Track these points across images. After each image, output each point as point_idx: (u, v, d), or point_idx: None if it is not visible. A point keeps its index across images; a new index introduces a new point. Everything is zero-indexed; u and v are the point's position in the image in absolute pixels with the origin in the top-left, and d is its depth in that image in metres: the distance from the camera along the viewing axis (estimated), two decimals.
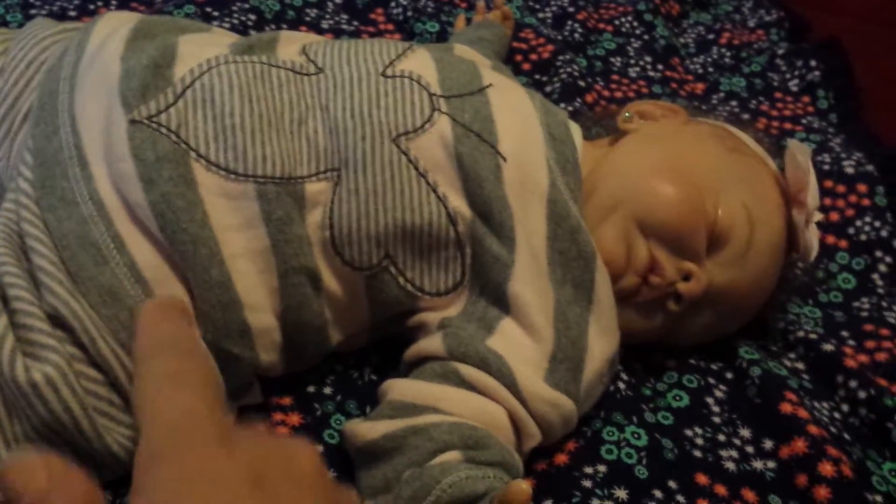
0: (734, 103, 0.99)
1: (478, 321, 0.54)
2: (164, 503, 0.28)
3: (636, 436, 0.56)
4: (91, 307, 0.46)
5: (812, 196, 0.62)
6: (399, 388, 0.52)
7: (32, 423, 0.43)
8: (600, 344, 0.55)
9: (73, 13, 0.84)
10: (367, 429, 0.49)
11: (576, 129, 0.61)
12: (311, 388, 0.56)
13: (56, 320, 0.45)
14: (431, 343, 0.53)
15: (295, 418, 0.54)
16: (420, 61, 0.57)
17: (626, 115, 0.66)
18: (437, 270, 0.54)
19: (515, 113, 0.57)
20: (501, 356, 0.51)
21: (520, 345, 0.53)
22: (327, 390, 0.57)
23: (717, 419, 0.60)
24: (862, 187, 0.83)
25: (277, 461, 0.31)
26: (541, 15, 1.08)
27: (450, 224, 0.53)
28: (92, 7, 0.86)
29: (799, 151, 0.63)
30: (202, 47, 0.53)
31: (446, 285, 0.55)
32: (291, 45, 0.57)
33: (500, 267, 0.53)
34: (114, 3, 0.88)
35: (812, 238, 0.64)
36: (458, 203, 0.53)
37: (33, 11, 0.83)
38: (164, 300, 0.37)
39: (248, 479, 0.30)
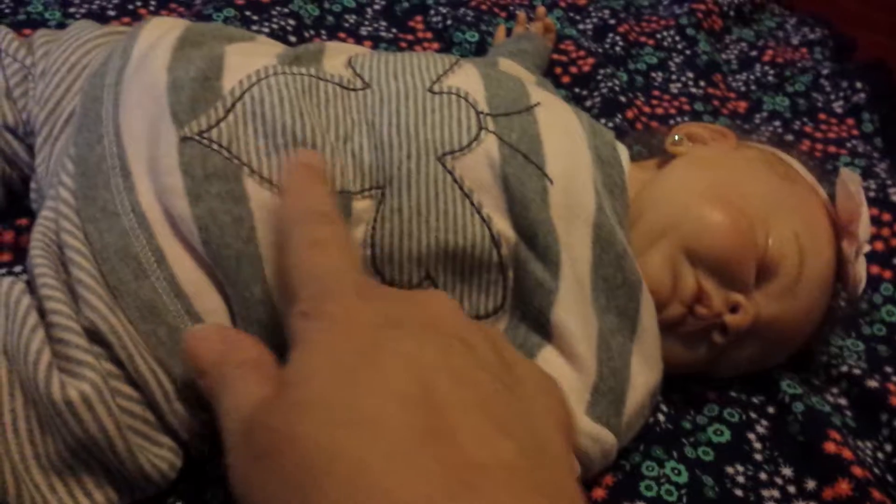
0: (777, 123, 0.97)
1: (518, 348, 0.52)
2: (311, 351, 0.32)
3: (676, 472, 0.55)
4: (130, 322, 0.45)
5: (864, 228, 0.61)
6: None
7: (66, 441, 0.42)
8: (643, 375, 0.53)
9: (112, 12, 0.84)
10: None
11: (623, 151, 0.59)
12: None
13: (93, 335, 0.44)
14: None
15: None
16: (467, 77, 0.55)
17: (676, 137, 0.65)
18: (477, 293, 0.53)
19: (563, 134, 0.55)
20: None
21: (562, 375, 0.51)
22: None
23: (758, 456, 0.58)
24: None
25: (411, 306, 0.35)
26: (581, 27, 1.06)
27: (493, 247, 0.51)
28: (131, 7, 0.85)
29: (851, 181, 0.61)
30: (250, 58, 0.52)
31: (486, 309, 0.53)
32: (337, 57, 0.56)
33: (544, 293, 0.52)
34: (153, 3, 0.87)
35: (861, 271, 0.62)
36: (502, 226, 0.52)
37: (72, 9, 0.82)
38: (310, 158, 0.44)
39: (385, 322, 0.33)
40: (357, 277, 0.36)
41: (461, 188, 0.51)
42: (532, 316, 0.53)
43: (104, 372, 0.42)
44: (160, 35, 0.53)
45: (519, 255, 0.52)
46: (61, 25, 0.78)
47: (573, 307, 0.52)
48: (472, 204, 0.51)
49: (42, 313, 0.44)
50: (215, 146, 0.47)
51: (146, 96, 0.49)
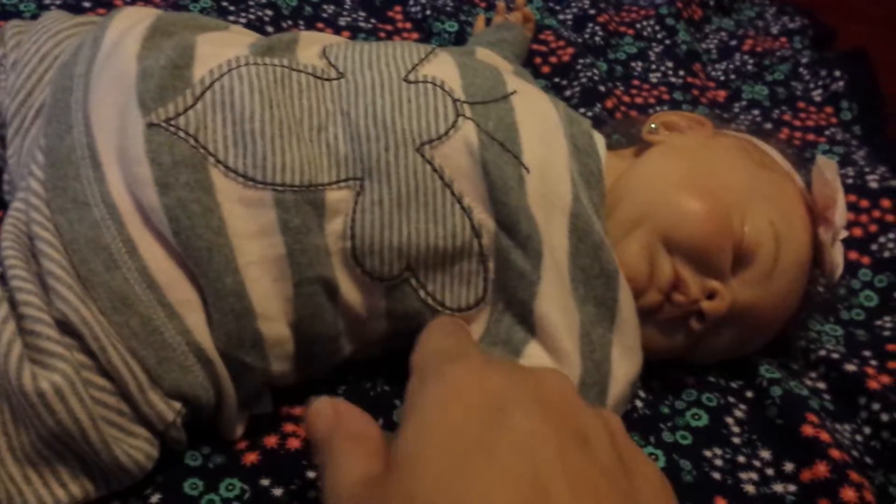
0: (756, 112, 0.97)
1: (504, 344, 0.52)
2: (425, 418, 0.32)
3: (654, 457, 0.55)
4: (101, 313, 0.44)
5: (840, 214, 0.61)
6: None
7: (39, 432, 0.41)
8: (624, 366, 0.54)
9: (87, 4, 0.83)
10: None
11: (600, 140, 0.59)
12: None
13: (65, 326, 0.43)
14: None
15: None
16: (443, 66, 0.55)
17: (652, 126, 0.65)
18: (458, 284, 0.53)
19: (540, 122, 0.55)
20: None
21: None
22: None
23: (736, 440, 0.59)
24: (886, 202, 0.81)
25: (527, 385, 0.34)
26: (561, 16, 1.06)
27: (474, 236, 0.51)
28: None
29: (827, 168, 0.61)
30: (221, 47, 0.51)
31: (468, 301, 0.53)
32: (311, 46, 0.55)
33: (526, 284, 0.52)
34: None
35: (838, 256, 0.62)
36: (482, 215, 0.51)
37: (47, 1, 0.81)
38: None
39: (507, 397, 0.32)
40: (479, 353, 0.36)
41: (441, 178, 0.51)
42: (515, 308, 0.53)
43: (76, 363, 0.42)
44: (131, 24, 0.53)
45: (500, 245, 0.52)
46: (36, 16, 0.77)
47: (555, 299, 0.52)
48: (452, 194, 0.51)
49: (13, 305, 0.43)
50: (182, 134, 0.47)
51: (116, 85, 0.49)
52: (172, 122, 0.47)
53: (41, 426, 0.41)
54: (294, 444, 0.51)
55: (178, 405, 0.46)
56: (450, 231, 0.51)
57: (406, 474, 0.31)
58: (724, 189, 0.58)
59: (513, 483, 0.29)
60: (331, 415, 0.36)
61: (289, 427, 0.52)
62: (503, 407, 0.32)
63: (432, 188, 0.51)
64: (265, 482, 0.48)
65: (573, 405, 0.34)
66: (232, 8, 0.84)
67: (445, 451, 0.30)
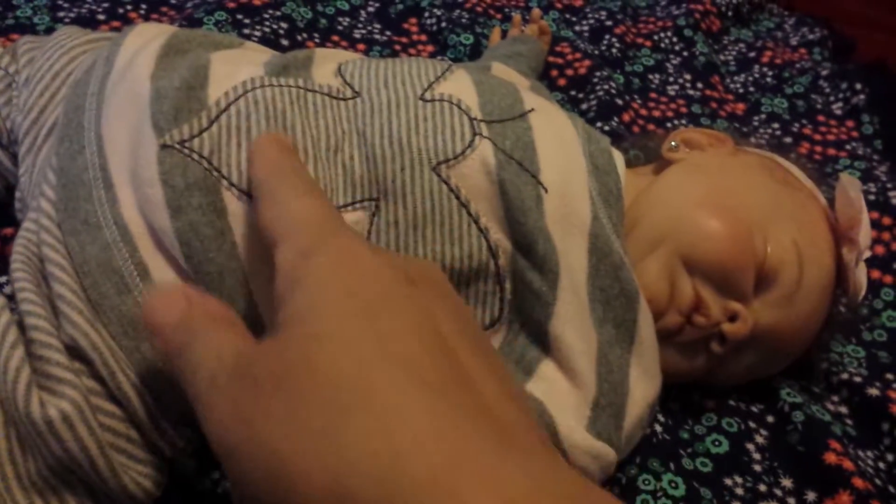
0: (776, 126, 0.96)
1: (515, 363, 0.51)
2: (319, 282, 0.31)
3: (674, 485, 0.54)
4: (112, 338, 0.44)
5: (864, 234, 0.60)
6: None
7: (47, 460, 0.41)
8: (642, 388, 0.52)
9: (101, 17, 0.83)
10: None
11: (619, 158, 0.58)
12: None
13: (74, 351, 0.43)
14: None
15: None
16: (459, 84, 0.54)
17: (672, 143, 0.64)
18: (475, 305, 0.52)
19: (558, 141, 0.54)
20: (542, 402, 0.49)
21: (561, 390, 0.50)
22: None
23: (757, 467, 0.57)
24: None
25: (419, 266, 0.34)
26: (578, 28, 1.05)
27: (490, 257, 0.50)
28: (121, 11, 0.84)
29: (851, 186, 0.60)
30: (236, 66, 0.51)
31: (483, 322, 0.52)
32: (327, 64, 0.54)
33: (542, 305, 0.51)
34: (143, 6, 0.86)
35: (861, 277, 0.61)
36: (499, 236, 0.50)
37: (61, 14, 0.81)
38: (276, 137, 0.43)
39: (400, 275, 0.32)
40: (359, 235, 0.36)
41: (458, 198, 0.50)
42: (531, 328, 0.52)
43: (85, 389, 0.41)
44: (144, 42, 0.52)
45: (516, 266, 0.51)
46: (50, 30, 0.77)
47: (572, 320, 0.51)
48: (469, 214, 0.50)
49: (22, 329, 0.43)
50: (195, 156, 0.46)
51: (129, 106, 0.48)
52: (187, 144, 0.46)
53: (48, 454, 0.40)
54: None
55: (188, 431, 0.45)
56: (466, 252, 0.50)
57: (304, 324, 0.29)
58: (746, 208, 0.57)
59: (419, 332, 0.30)
60: (182, 298, 0.34)
61: None
62: (404, 276, 0.32)
63: (448, 208, 0.50)
64: None
65: (454, 291, 0.35)
66: (247, 21, 0.84)
67: (347, 302, 0.30)
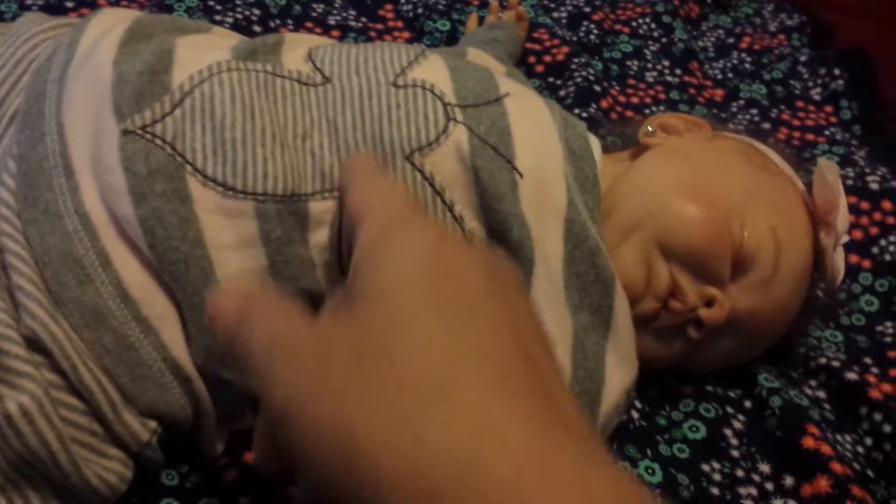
0: (754, 111, 0.95)
1: None
2: (406, 263, 0.30)
3: (650, 471, 0.53)
4: (73, 329, 0.42)
5: (842, 218, 0.59)
6: None
7: (7, 455, 0.40)
8: (618, 374, 0.52)
9: (70, 3, 0.81)
10: None
11: (595, 143, 0.58)
12: None
13: (34, 344, 0.41)
14: None
15: None
16: (433, 69, 0.53)
17: (649, 129, 0.63)
18: None
19: (534, 126, 0.53)
20: None
21: None
22: None
23: (735, 452, 0.57)
24: (887, 204, 0.80)
25: (501, 263, 0.33)
26: (555, 14, 1.05)
27: None
28: None
29: (828, 171, 0.59)
30: (202, 51, 0.49)
31: None
32: (296, 49, 0.53)
33: None
34: None
35: (839, 262, 0.60)
36: (473, 223, 0.50)
37: (29, 2, 0.79)
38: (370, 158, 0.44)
39: (485, 267, 0.31)
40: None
41: (433, 185, 0.49)
42: None
43: (45, 382, 0.40)
44: (107, 28, 0.51)
45: None
46: (17, 17, 0.75)
47: (547, 307, 0.50)
48: (443, 202, 0.49)
49: None
50: (158, 141, 0.45)
51: (91, 92, 0.47)
52: (149, 130, 0.45)
53: (8, 449, 0.39)
54: None
55: (153, 424, 0.44)
56: None
57: (389, 301, 0.29)
58: (723, 193, 0.56)
59: (502, 329, 0.29)
60: (246, 291, 0.33)
61: None
62: (490, 271, 0.31)
63: (423, 196, 0.49)
64: (245, 501, 0.47)
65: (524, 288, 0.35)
66: (219, 7, 0.82)
67: (435, 288, 0.29)
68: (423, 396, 0.26)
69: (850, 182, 0.82)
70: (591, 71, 0.90)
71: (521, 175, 0.51)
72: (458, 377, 0.27)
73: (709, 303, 0.55)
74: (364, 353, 0.28)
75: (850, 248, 0.75)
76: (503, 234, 0.50)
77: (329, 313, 0.31)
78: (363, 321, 0.29)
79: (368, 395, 0.27)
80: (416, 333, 0.28)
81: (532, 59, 0.92)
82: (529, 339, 0.30)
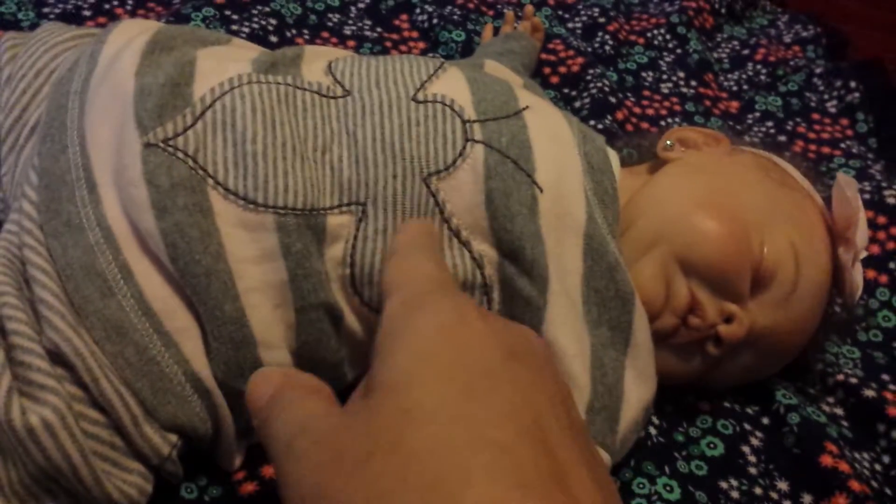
0: (770, 124, 0.95)
1: None
2: (421, 344, 0.30)
3: (668, 488, 0.53)
4: (95, 343, 0.42)
5: (861, 234, 0.59)
6: None
7: (28, 469, 0.40)
8: (637, 390, 0.52)
9: (87, 12, 0.81)
10: None
11: (614, 158, 0.57)
12: None
13: (56, 357, 0.41)
14: None
15: None
16: (453, 83, 0.53)
17: (668, 142, 0.63)
18: None
19: (553, 139, 0.53)
20: None
21: None
22: None
23: (753, 470, 0.57)
24: None
25: (522, 338, 0.33)
26: (570, 25, 1.04)
27: (476, 267, 0.50)
28: (107, 6, 0.83)
29: (848, 186, 0.59)
30: (223, 63, 0.49)
31: None
32: (316, 61, 0.53)
33: (532, 310, 0.50)
34: (129, 2, 0.85)
35: (858, 277, 0.60)
36: (483, 246, 0.50)
37: (46, 9, 0.80)
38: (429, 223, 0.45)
39: (502, 347, 0.31)
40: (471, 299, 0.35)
41: (441, 213, 0.49)
42: None
43: (67, 395, 0.40)
44: (129, 39, 0.51)
45: (504, 274, 0.50)
46: (35, 26, 0.76)
47: (564, 323, 0.50)
48: (450, 228, 0.49)
49: (4, 334, 0.41)
50: (180, 154, 0.45)
51: (113, 104, 0.47)
52: (171, 143, 0.45)
53: (30, 462, 0.39)
54: None
55: (174, 438, 0.44)
56: (450, 263, 0.50)
57: (398, 394, 0.28)
58: (743, 209, 0.56)
59: (517, 418, 0.28)
60: (278, 375, 0.34)
61: None
62: (508, 349, 0.31)
63: (431, 221, 0.49)
64: None
65: (554, 367, 0.34)
66: (235, 17, 0.82)
67: (448, 375, 0.29)
68: (430, 496, 0.26)
69: (866, 196, 0.81)
70: (607, 82, 0.90)
71: (541, 189, 0.51)
72: (467, 473, 0.26)
73: (728, 319, 0.55)
74: (374, 450, 0.27)
75: (867, 263, 0.75)
76: (516, 254, 0.50)
77: (350, 404, 0.31)
78: (375, 415, 0.29)
79: (377, 496, 0.26)
80: (426, 428, 0.27)
81: (547, 70, 0.92)
82: (548, 418, 0.30)
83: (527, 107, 0.54)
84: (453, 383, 0.29)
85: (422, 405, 0.28)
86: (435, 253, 0.38)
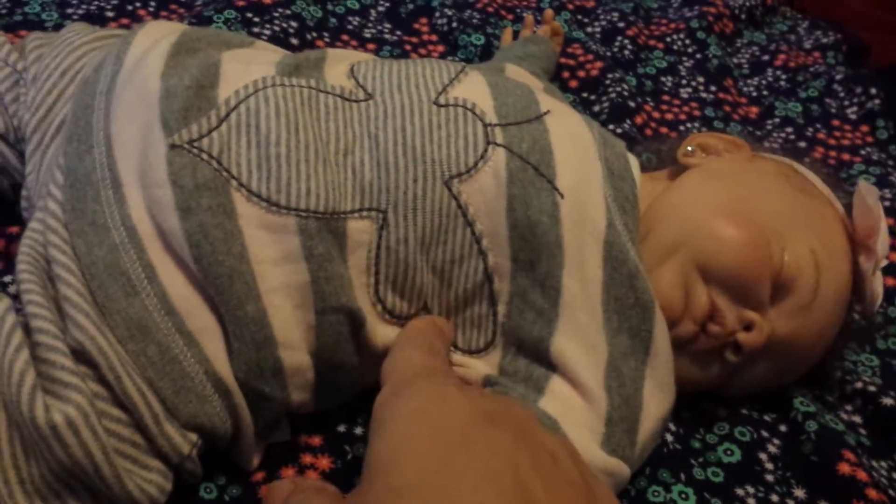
0: (789, 130, 0.95)
1: (524, 381, 0.51)
2: (402, 427, 0.32)
3: (684, 496, 0.53)
4: (118, 341, 0.43)
5: (882, 243, 0.59)
6: None
7: (50, 465, 0.40)
8: (656, 401, 0.52)
9: (110, 13, 0.82)
10: None
11: (634, 163, 0.57)
12: (341, 428, 0.53)
13: (80, 355, 0.42)
14: None
15: (325, 462, 0.51)
16: (474, 86, 0.54)
17: (688, 148, 0.63)
18: (470, 327, 0.52)
19: (574, 145, 0.53)
20: (556, 420, 0.48)
21: (574, 406, 0.49)
22: (359, 430, 0.53)
23: (770, 477, 0.56)
24: None
25: (500, 403, 0.35)
26: (589, 29, 1.05)
27: (486, 280, 0.50)
28: (130, 8, 0.83)
29: (868, 194, 0.59)
30: (247, 66, 0.50)
31: (478, 344, 0.52)
32: (339, 64, 0.54)
33: (545, 321, 0.50)
34: (152, 3, 0.86)
35: (878, 286, 0.60)
36: (499, 259, 0.50)
37: (69, 10, 0.80)
38: (436, 320, 0.48)
39: (481, 413, 0.33)
40: (454, 378, 0.38)
41: (465, 215, 0.49)
42: (530, 346, 0.51)
43: (90, 393, 0.41)
44: (155, 41, 0.51)
45: (517, 285, 0.51)
46: (59, 27, 0.77)
47: (575, 334, 0.50)
48: (473, 233, 0.50)
49: (28, 332, 0.42)
50: (205, 156, 0.45)
51: (138, 105, 0.47)
52: (196, 144, 0.46)
53: (52, 459, 0.40)
54: (311, 475, 0.49)
55: (194, 437, 0.44)
56: (464, 272, 0.50)
57: (386, 475, 0.30)
58: (763, 216, 0.56)
59: (496, 480, 0.30)
60: (288, 483, 0.37)
61: (307, 458, 0.50)
62: (484, 418, 0.33)
63: (454, 226, 0.50)
64: None
65: (539, 428, 0.35)
66: (256, 20, 0.83)
67: (426, 451, 0.31)
68: None
69: (886, 203, 0.81)
70: (626, 86, 0.90)
71: (561, 195, 0.51)
72: None
73: (748, 327, 0.54)
74: None
75: (887, 271, 0.74)
76: (531, 265, 0.50)
77: (349, 494, 0.33)
78: (368, 496, 0.31)
79: None
80: (412, 503, 0.29)
81: (566, 74, 0.92)
82: (531, 475, 0.31)
83: (548, 111, 0.54)
84: (433, 457, 0.31)
85: (407, 482, 0.30)
86: (430, 344, 0.42)
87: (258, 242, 0.45)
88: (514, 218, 0.50)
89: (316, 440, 0.52)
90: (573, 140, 0.54)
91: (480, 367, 0.53)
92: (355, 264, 0.48)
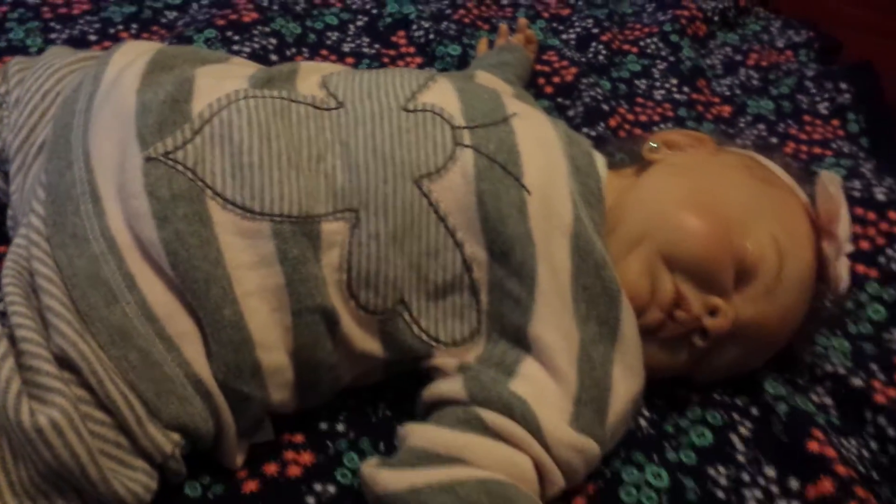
0: (762, 126, 0.97)
1: (496, 365, 0.52)
2: None
3: (657, 476, 0.55)
4: (100, 347, 0.45)
5: (843, 228, 0.60)
6: (421, 434, 0.50)
7: (38, 468, 0.42)
8: (625, 383, 0.53)
9: (93, 37, 0.84)
10: (390, 478, 0.47)
11: (600, 160, 0.60)
12: (323, 426, 0.55)
13: (63, 361, 0.44)
14: (452, 386, 0.51)
15: (307, 457, 0.53)
16: (442, 92, 0.56)
17: (652, 144, 0.65)
18: (451, 318, 0.54)
19: (540, 144, 0.55)
20: (525, 401, 0.50)
21: (543, 388, 0.51)
22: (340, 427, 0.55)
23: (741, 457, 0.58)
24: (893, 215, 0.80)
25: None
26: (564, 36, 1.07)
27: (465, 270, 0.52)
28: (112, 31, 0.86)
29: (830, 182, 0.61)
30: (220, 80, 0.52)
31: (462, 334, 0.54)
32: (311, 76, 0.56)
33: (520, 310, 0.52)
34: (134, 26, 0.88)
35: (843, 270, 0.61)
36: (475, 249, 0.52)
37: (53, 35, 0.83)
38: None
39: None
40: None
41: (436, 212, 0.51)
42: (510, 333, 0.53)
43: (74, 397, 0.43)
44: (131, 59, 0.53)
45: (494, 276, 0.53)
46: (42, 52, 0.78)
47: (551, 321, 0.52)
48: (446, 228, 0.51)
49: (13, 341, 0.44)
50: (180, 167, 0.48)
51: (115, 121, 0.49)
52: (171, 156, 0.48)
53: (39, 461, 0.42)
54: (294, 471, 0.51)
55: (176, 437, 0.46)
56: (441, 264, 0.52)
57: None
58: (725, 206, 0.58)
59: None
60: None
61: (289, 454, 0.52)
62: None
63: (426, 222, 0.51)
64: None
65: None
66: (237, 38, 0.85)
67: None
68: None
69: (857, 193, 0.83)
70: (600, 90, 0.92)
71: (529, 192, 0.53)
72: None
73: (713, 312, 0.56)
74: None
75: (857, 258, 0.76)
76: (506, 255, 0.52)
77: None
78: None
79: None
80: None
81: (542, 81, 0.94)
82: None
83: (514, 113, 0.56)
84: None
85: None
86: None
87: (234, 248, 0.47)
88: (485, 212, 0.52)
89: (298, 437, 0.54)
90: (539, 140, 0.56)
91: (463, 356, 0.54)
92: (328, 263, 0.50)
